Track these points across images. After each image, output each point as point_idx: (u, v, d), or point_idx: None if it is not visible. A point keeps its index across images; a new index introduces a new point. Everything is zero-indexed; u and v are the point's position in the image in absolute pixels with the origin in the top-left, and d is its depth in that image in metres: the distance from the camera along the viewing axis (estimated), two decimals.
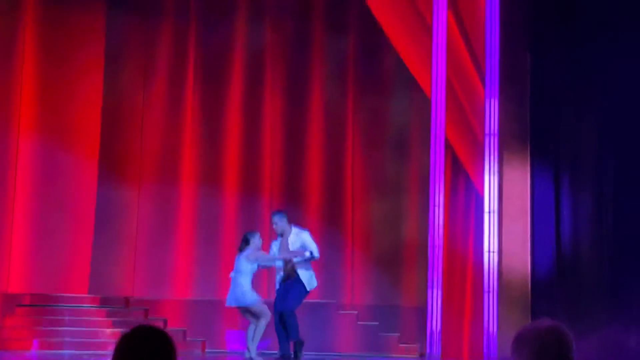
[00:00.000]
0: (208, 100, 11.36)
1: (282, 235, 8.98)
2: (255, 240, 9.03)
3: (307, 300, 10.97)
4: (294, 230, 9.01)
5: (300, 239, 8.93)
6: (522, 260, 10.60)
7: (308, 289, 8.94)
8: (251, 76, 11.47)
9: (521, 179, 10.84)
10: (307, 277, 8.88)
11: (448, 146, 10.90)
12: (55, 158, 10.70)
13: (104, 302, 10.53)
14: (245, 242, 9.02)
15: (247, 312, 8.96)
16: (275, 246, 9.04)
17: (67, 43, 10.96)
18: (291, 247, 8.88)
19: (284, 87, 11.58)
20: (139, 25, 11.28)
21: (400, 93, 11.55)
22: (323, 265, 11.20)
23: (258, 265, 9.04)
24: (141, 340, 2.57)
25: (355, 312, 10.90)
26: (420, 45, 10.93)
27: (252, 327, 8.91)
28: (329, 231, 11.38)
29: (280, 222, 8.98)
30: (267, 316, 8.87)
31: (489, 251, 10.53)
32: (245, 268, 8.92)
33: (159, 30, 11.34)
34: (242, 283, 8.87)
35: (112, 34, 11.09)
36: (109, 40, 11.09)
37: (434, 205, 10.57)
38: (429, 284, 10.41)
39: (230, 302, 8.99)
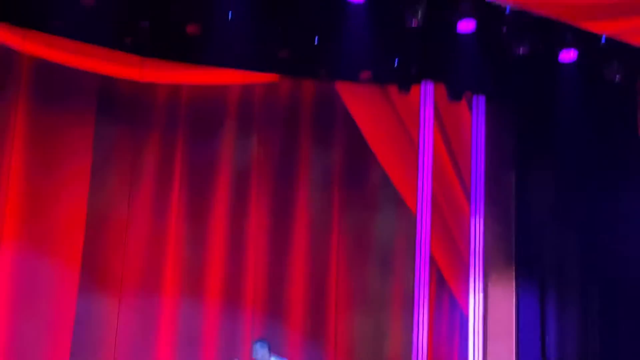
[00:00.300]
0: (193, 212, 11.33)
1: None
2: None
3: None
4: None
5: None
6: None
7: None
8: (237, 188, 11.47)
9: (506, 298, 10.78)
10: None
11: (433, 263, 10.88)
12: (35, 267, 10.55)
13: None
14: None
15: None
16: None
17: (55, 150, 10.95)
18: None
19: (269, 199, 11.59)
20: (127, 135, 11.31)
21: (386, 208, 11.58)
22: None
23: None
24: None
25: None
26: (406, 161, 11.04)
27: None
28: (312, 345, 11.23)
29: (260, 350, 8.88)
30: None
31: None
32: None
33: (146, 141, 11.37)
34: None
35: (99, 143, 11.11)
36: (97, 149, 11.11)
37: (418, 324, 10.48)
38: None
39: None
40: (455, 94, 10.72)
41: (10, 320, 10.35)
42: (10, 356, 10.25)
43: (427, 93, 10.88)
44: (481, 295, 10.69)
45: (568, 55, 10.05)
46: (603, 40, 9.70)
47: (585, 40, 9.80)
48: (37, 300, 10.46)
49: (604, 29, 9.48)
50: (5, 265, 10.46)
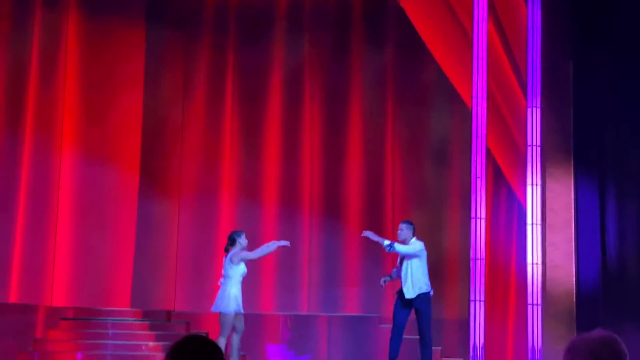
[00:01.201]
0: (247, 114, 11.39)
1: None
2: (241, 240, 8.89)
3: (348, 314, 10.94)
4: (416, 243, 9.15)
5: (413, 249, 9.08)
6: (566, 273, 10.45)
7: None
8: (290, 89, 11.48)
9: (564, 190, 10.70)
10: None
11: (489, 157, 10.81)
12: (97, 173, 10.78)
13: (146, 315, 10.57)
14: (231, 242, 8.87)
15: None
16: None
17: (108, 58, 11.07)
18: (410, 261, 8.99)
19: (322, 100, 11.57)
20: (179, 39, 11.36)
21: (441, 104, 11.48)
22: (364, 278, 11.16)
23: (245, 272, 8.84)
24: (192, 349, 2.57)
25: None
26: (460, 55, 10.87)
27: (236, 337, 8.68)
28: (369, 245, 11.29)
29: (406, 230, 9.17)
30: (225, 336, 8.60)
31: (533, 263, 10.40)
32: (230, 272, 8.75)
33: (198, 45, 11.40)
34: (225, 288, 8.71)
35: (151, 49, 11.18)
36: (149, 55, 11.19)
37: (476, 218, 10.47)
38: (472, 297, 10.30)
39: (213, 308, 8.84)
40: None
41: (76, 224, 10.63)
42: (77, 258, 10.56)
43: None
44: (539, 187, 10.61)
45: None
46: None
47: None
48: (100, 203, 10.72)
49: None
50: (68, 171, 10.70)
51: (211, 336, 10.01)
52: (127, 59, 11.11)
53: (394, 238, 11.36)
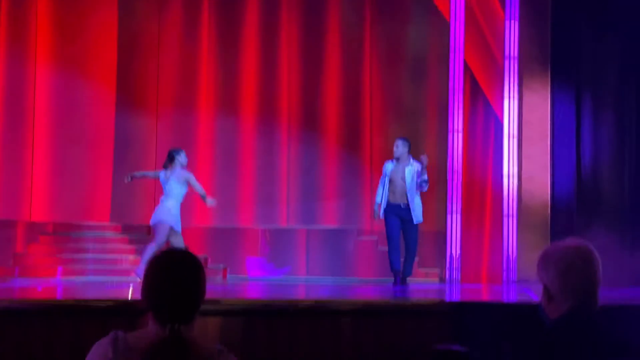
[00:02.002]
0: (224, 25, 11.25)
1: (398, 160, 9.22)
2: (181, 158, 8.95)
3: (327, 227, 11.06)
4: (412, 161, 9.21)
5: (413, 170, 9.13)
6: (542, 184, 10.58)
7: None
8: (267, 1, 11.32)
9: (541, 102, 10.75)
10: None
11: (467, 70, 10.80)
12: (72, 87, 10.67)
13: (126, 229, 10.63)
14: (170, 159, 8.94)
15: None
16: (388, 167, 9.27)
17: None
18: (406, 175, 9.11)
19: (300, 11, 11.43)
20: None
21: (418, 16, 11.38)
22: (342, 191, 11.24)
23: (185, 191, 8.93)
24: (172, 261, 2.60)
25: (375, 237, 10.96)
26: None
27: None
28: (348, 156, 11.37)
29: (402, 147, 9.22)
30: (158, 245, 8.66)
31: (509, 175, 10.52)
32: (175, 190, 8.84)
33: None
34: (166, 204, 8.80)
35: None
36: None
37: (453, 130, 10.54)
38: (449, 209, 10.44)
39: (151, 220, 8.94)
40: None
41: (54, 139, 10.57)
42: (55, 173, 10.54)
43: None
44: (516, 100, 10.66)
45: None
46: None
47: None
48: (77, 118, 10.64)
49: None
50: (43, 87, 10.58)
51: (196, 250, 10.14)
52: None
53: (373, 152, 11.45)
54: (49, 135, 10.63)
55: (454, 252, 10.37)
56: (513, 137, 10.58)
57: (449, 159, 10.43)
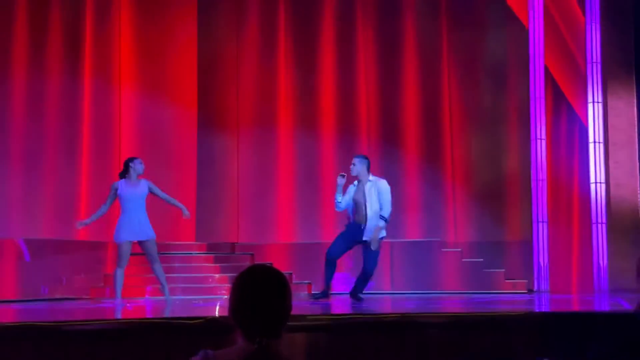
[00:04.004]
0: (300, 42, 11.34)
1: (358, 180, 8.68)
2: (136, 167, 8.89)
3: (411, 239, 10.99)
4: (372, 178, 8.69)
5: (377, 188, 8.63)
6: (631, 190, 10.32)
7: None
8: (342, 15, 11.37)
9: (627, 106, 10.51)
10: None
11: (548, 76, 10.63)
12: (155, 109, 10.88)
13: (211, 248, 10.76)
14: (126, 169, 8.88)
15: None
16: (351, 190, 8.70)
17: None
18: (367, 195, 8.59)
19: (376, 24, 11.44)
20: None
21: (496, 23, 11.27)
22: (425, 203, 11.16)
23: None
24: (258, 278, 2.61)
25: (459, 249, 10.84)
26: None
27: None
28: (429, 168, 11.30)
29: (359, 165, 8.64)
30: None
31: (596, 182, 10.29)
32: (142, 201, 8.84)
33: None
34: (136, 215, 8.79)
35: None
36: None
37: (536, 138, 10.37)
38: (534, 217, 10.26)
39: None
40: None
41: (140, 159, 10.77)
42: None
43: None
44: (600, 105, 10.44)
45: None
46: None
47: None
48: (161, 140, 10.84)
49: None
50: (127, 110, 10.83)
51: (281, 266, 10.20)
52: None
53: (455, 162, 11.34)
54: (134, 156, 10.83)
55: (541, 261, 10.18)
56: (599, 143, 10.35)
57: (533, 167, 10.27)
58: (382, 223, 8.56)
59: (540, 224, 10.21)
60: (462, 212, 11.33)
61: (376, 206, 8.60)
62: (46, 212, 10.29)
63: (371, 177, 8.71)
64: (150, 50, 11.01)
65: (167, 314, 7.22)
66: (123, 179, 8.92)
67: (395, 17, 11.46)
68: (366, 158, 8.86)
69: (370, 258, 8.63)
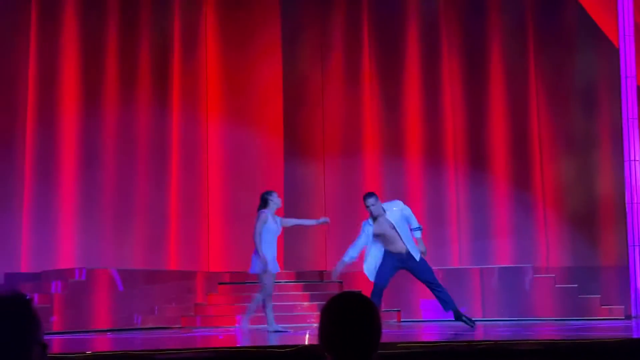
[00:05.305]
0: (385, 69, 11.34)
1: (373, 217, 8.32)
2: (276, 199, 8.65)
3: (502, 265, 10.78)
4: (386, 207, 8.39)
5: (399, 211, 8.37)
6: None
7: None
8: (427, 40, 11.33)
9: None
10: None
11: None
12: (242, 138, 11.04)
13: (300, 276, 10.77)
14: (264, 202, 8.63)
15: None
16: (369, 230, 8.32)
17: (246, 26, 11.26)
18: (395, 224, 8.28)
19: (461, 48, 11.36)
20: (312, 2, 11.42)
21: (585, 44, 11.05)
22: (515, 228, 10.97)
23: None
24: (347, 305, 2.59)
25: (553, 275, 10.57)
26: None
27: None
28: (519, 193, 11.11)
29: (378, 203, 8.33)
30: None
31: None
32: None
33: (331, 5, 11.42)
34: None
35: (287, 13, 11.30)
36: (285, 19, 11.31)
37: (629, 160, 10.07)
38: (630, 241, 9.95)
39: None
40: None
41: (226, 190, 10.94)
42: (230, 223, 10.87)
43: None
44: None
45: None
46: None
47: None
48: (248, 168, 10.98)
49: None
50: (215, 139, 11.01)
51: (368, 294, 10.12)
52: (264, 25, 11.28)
53: (545, 186, 11.13)
54: (223, 186, 11.00)
55: (638, 286, 9.85)
56: None
57: (627, 190, 9.96)
58: (419, 234, 8.40)
59: (636, 248, 9.89)
60: (554, 237, 11.08)
61: (406, 228, 8.36)
62: (137, 242, 10.50)
63: (385, 207, 8.43)
64: (236, 81, 11.19)
65: (259, 342, 7.24)
66: (269, 213, 8.71)
67: (481, 41, 11.36)
68: (374, 193, 8.59)
69: (426, 270, 8.39)
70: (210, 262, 10.87)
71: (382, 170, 11.23)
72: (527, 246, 10.89)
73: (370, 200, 8.34)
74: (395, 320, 10.26)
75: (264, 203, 8.71)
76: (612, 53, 10.49)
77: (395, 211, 8.39)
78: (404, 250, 8.31)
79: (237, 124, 11.09)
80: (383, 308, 10.19)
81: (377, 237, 8.35)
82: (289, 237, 10.86)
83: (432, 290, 8.45)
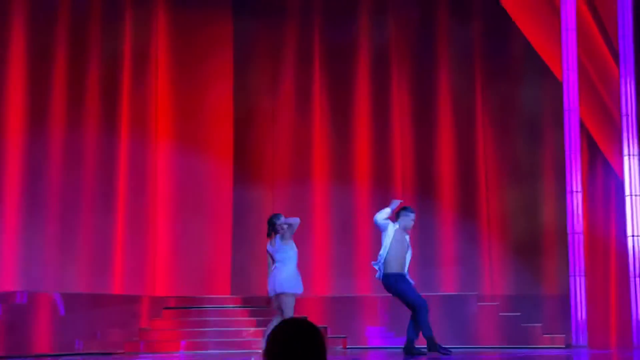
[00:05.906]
0: (336, 97, 11.46)
1: (400, 229, 8.62)
2: (280, 222, 8.55)
3: (447, 292, 10.90)
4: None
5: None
6: None
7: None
8: (377, 70, 11.48)
9: None
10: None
11: (583, 129, 10.59)
12: (191, 163, 11.02)
13: (246, 302, 10.74)
14: (272, 226, 8.54)
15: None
16: (393, 234, 8.56)
17: (197, 51, 11.29)
18: (408, 245, 8.58)
19: (410, 79, 11.54)
20: (265, 28, 11.51)
21: (530, 77, 11.30)
22: (460, 256, 11.10)
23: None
24: (292, 332, 2.61)
25: (496, 303, 10.72)
26: (549, 27, 10.67)
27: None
28: (464, 222, 11.26)
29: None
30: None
31: (633, 235, 10.16)
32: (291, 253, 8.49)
33: (284, 32, 11.52)
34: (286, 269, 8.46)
35: (239, 39, 11.35)
36: (237, 45, 11.36)
37: (572, 191, 10.29)
38: (571, 271, 10.14)
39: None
40: None
41: (174, 214, 10.89)
42: (177, 247, 10.82)
43: None
44: (636, 158, 10.35)
45: None
46: None
47: None
48: (197, 193, 10.96)
49: None
50: (164, 163, 10.97)
51: (316, 320, 10.13)
52: (216, 50, 11.31)
53: (490, 216, 11.29)
54: (170, 210, 10.96)
55: (579, 316, 10.02)
56: (635, 196, 10.25)
57: (569, 220, 10.17)
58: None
59: (578, 278, 10.08)
60: (499, 266, 11.25)
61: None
62: (81, 266, 10.38)
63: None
64: (186, 105, 11.19)
65: None
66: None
67: (429, 73, 11.54)
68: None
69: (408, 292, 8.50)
70: (157, 286, 10.78)
71: (330, 197, 11.30)
72: (471, 274, 11.03)
73: (413, 215, 8.71)
74: (341, 346, 10.28)
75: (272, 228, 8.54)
76: (556, 86, 10.74)
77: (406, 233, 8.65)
78: (405, 271, 8.60)
79: (187, 148, 11.08)
80: (329, 334, 10.23)
81: (394, 248, 8.50)
82: (236, 262, 10.86)
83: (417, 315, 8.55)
